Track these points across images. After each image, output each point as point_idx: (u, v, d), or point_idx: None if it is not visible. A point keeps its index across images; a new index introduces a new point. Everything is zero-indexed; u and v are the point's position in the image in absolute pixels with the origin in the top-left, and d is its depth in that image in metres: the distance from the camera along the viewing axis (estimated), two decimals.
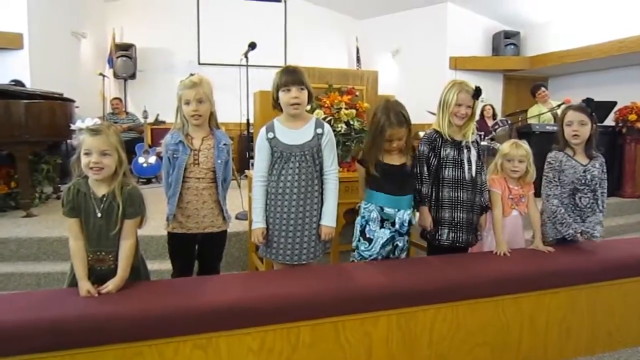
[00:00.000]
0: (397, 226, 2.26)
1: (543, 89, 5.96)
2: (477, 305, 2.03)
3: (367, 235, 2.27)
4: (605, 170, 2.47)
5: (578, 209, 2.44)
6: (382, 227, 2.26)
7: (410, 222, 2.32)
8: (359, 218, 2.32)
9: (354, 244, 2.34)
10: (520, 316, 2.12)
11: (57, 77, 6.02)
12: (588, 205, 2.44)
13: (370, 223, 2.26)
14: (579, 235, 2.41)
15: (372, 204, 2.27)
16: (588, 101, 2.41)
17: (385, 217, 2.25)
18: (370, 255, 2.27)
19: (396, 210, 2.25)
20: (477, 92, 2.30)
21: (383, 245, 2.27)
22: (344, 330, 1.84)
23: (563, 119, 2.44)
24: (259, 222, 2.16)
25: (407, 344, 1.94)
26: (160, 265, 3.14)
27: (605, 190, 2.48)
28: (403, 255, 2.36)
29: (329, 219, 2.18)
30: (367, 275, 2.01)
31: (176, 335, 1.64)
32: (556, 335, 2.20)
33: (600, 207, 2.46)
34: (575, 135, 2.38)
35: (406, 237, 2.35)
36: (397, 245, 2.31)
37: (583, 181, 2.41)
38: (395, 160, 2.25)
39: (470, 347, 2.04)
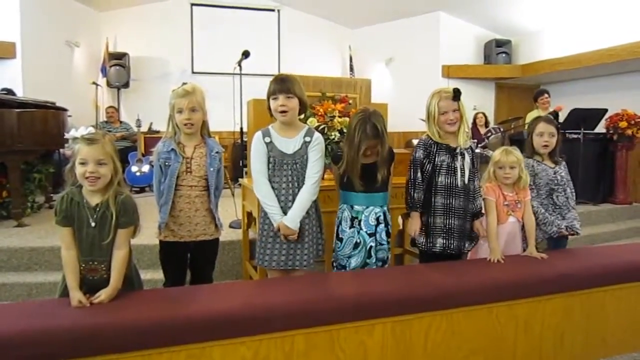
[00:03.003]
0: (362, 225, 2.28)
1: (546, 95, 5.95)
2: (471, 313, 2.03)
3: (340, 236, 2.34)
4: (568, 172, 2.73)
5: (558, 207, 2.64)
6: (351, 226, 2.30)
7: (379, 221, 2.32)
8: (336, 220, 2.38)
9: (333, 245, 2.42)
10: (514, 323, 2.11)
11: (50, 86, 6.02)
12: (564, 203, 2.65)
13: (342, 223, 2.32)
14: (563, 230, 2.55)
15: (345, 204, 2.33)
16: (555, 114, 2.63)
17: (354, 214, 2.30)
18: (342, 256, 2.32)
19: (364, 207, 2.30)
20: (455, 94, 2.30)
21: (355, 247, 2.29)
22: (338, 338, 1.83)
23: (534, 130, 2.66)
24: (281, 215, 2.15)
25: (402, 352, 1.93)
26: (153, 275, 3.12)
27: (574, 190, 2.71)
28: (376, 260, 2.34)
29: (289, 218, 2.14)
30: (362, 283, 2.00)
31: (169, 346, 1.62)
32: (551, 342, 2.20)
33: (572, 205, 2.68)
34: (545, 145, 2.62)
35: (379, 239, 2.33)
36: (370, 246, 2.30)
37: (556, 181, 2.63)
38: (365, 160, 2.26)
39: (465, 354, 2.04)
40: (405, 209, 2.46)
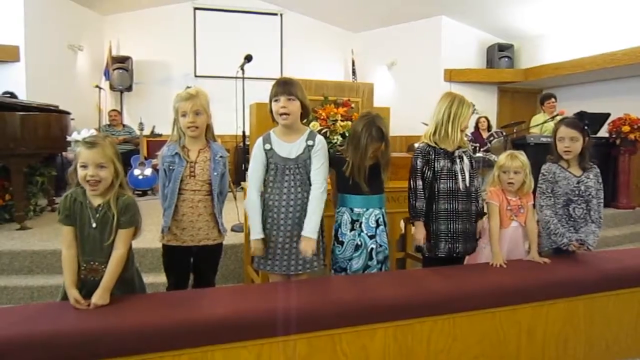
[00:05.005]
0: (363, 227, 2.27)
1: (553, 99, 5.88)
2: (474, 318, 2.02)
3: (340, 239, 2.31)
4: (600, 181, 2.50)
5: (572, 219, 2.47)
6: (352, 229, 2.28)
7: (378, 223, 2.31)
8: (335, 223, 2.36)
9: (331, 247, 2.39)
10: (517, 328, 2.11)
11: (53, 89, 6.03)
12: (581, 216, 2.47)
13: (342, 226, 2.31)
14: (573, 243, 2.41)
15: (344, 207, 2.31)
16: (580, 115, 2.45)
17: (355, 217, 2.28)
18: (343, 258, 2.30)
19: (364, 209, 2.28)
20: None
21: (356, 249, 2.28)
22: (340, 343, 1.83)
23: (556, 133, 2.48)
24: (257, 233, 2.15)
25: (403, 357, 1.92)
26: (155, 278, 3.11)
27: (602, 201, 2.49)
28: (377, 262, 2.32)
29: (310, 230, 2.13)
30: (363, 287, 2.00)
31: (171, 349, 1.62)
32: (554, 347, 2.19)
33: (594, 218, 2.46)
34: (567, 151, 2.43)
35: (379, 241, 2.31)
36: (371, 248, 2.30)
37: (577, 192, 2.44)
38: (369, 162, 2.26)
39: (468, 359, 2.03)
40: (409, 218, 2.45)
